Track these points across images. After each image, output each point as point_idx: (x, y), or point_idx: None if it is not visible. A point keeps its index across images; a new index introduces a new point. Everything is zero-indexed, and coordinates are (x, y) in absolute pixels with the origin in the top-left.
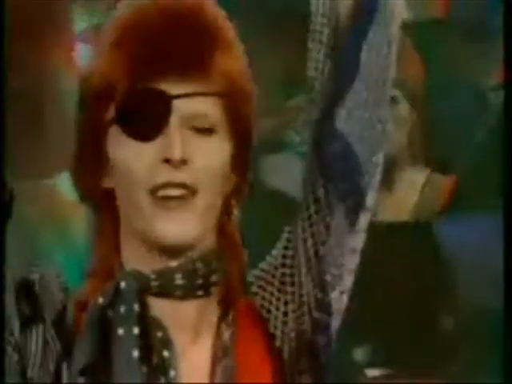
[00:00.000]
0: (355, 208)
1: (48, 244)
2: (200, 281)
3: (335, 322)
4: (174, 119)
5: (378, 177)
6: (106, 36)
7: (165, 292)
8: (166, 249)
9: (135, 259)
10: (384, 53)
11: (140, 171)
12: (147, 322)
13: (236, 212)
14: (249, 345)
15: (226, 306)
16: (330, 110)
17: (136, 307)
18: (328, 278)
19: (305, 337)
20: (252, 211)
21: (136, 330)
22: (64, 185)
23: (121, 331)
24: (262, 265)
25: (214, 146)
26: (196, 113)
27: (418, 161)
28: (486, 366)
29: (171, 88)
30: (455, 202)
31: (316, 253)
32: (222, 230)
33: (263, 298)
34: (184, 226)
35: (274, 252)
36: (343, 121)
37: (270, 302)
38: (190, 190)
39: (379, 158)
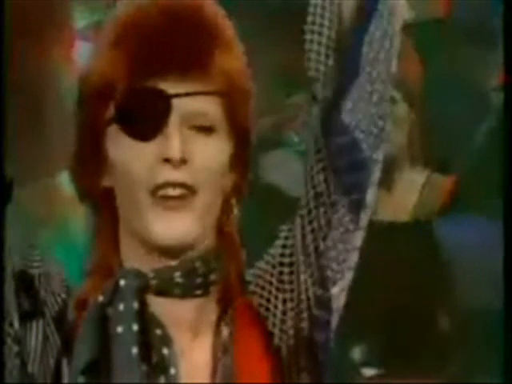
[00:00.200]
0: (359, 203)
1: (49, 242)
2: (199, 280)
3: (334, 320)
4: (173, 118)
5: (377, 174)
6: (106, 35)
7: (164, 291)
8: (166, 249)
9: (134, 258)
10: (386, 47)
11: (139, 171)
12: (146, 320)
13: (236, 211)
14: (247, 344)
15: (225, 305)
16: (337, 102)
17: (135, 305)
18: (329, 273)
19: (303, 335)
20: (251, 209)
21: (135, 328)
22: (66, 183)
23: (120, 329)
24: (260, 264)
25: (214, 145)
26: (195, 112)
27: (417, 161)
28: (486, 365)
29: (170, 87)
30: (455, 202)
31: (316, 249)
32: (220, 229)
33: (261, 296)
34: (183, 227)
35: (272, 251)
36: (349, 113)
37: (269, 301)
38: (190, 190)
39: (379, 155)
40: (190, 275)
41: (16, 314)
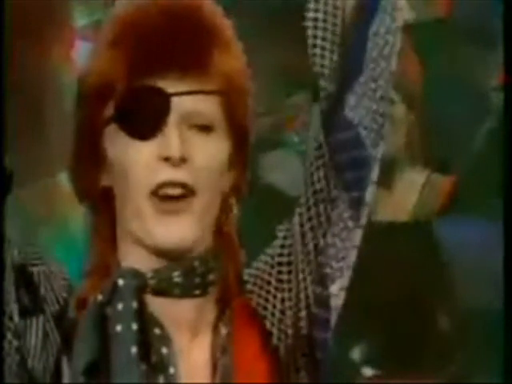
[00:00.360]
0: (359, 200)
1: (49, 241)
2: (198, 279)
3: (333, 318)
4: (172, 117)
5: (377, 171)
6: (104, 34)
7: (163, 290)
8: (165, 253)
9: (132, 258)
10: (390, 44)
11: (138, 170)
12: (145, 320)
13: (235, 210)
14: (246, 343)
15: (224, 304)
16: (341, 97)
17: (134, 304)
18: (328, 270)
19: (302, 334)
20: (251, 209)
21: (134, 327)
22: (66, 182)
23: (119, 328)
24: (258, 264)
25: (213, 144)
26: (194, 111)
27: (417, 161)
28: (486, 366)
29: (169, 86)
30: (455, 202)
31: (315, 246)
32: (219, 229)
33: (259, 295)
34: (183, 231)
35: (270, 251)
36: (353, 109)
37: (267, 300)
38: (190, 191)
39: (378, 153)
40: (189, 275)
41: (16, 306)
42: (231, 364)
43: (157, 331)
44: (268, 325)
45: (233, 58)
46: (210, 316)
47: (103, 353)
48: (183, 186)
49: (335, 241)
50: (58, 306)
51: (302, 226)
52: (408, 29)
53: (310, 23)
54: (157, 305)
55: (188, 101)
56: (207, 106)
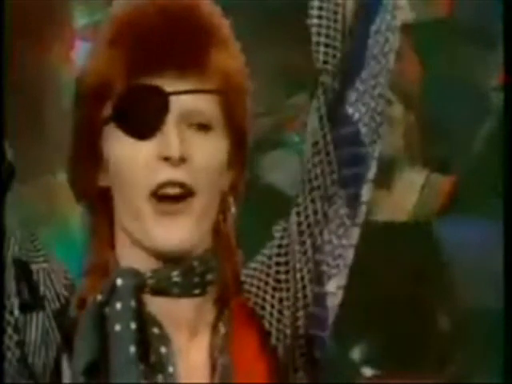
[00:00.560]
0: (356, 197)
1: (49, 239)
2: (196, 279)
3: (331, 317)
4: (171, 116)
5: (374, 170)
6: (102, 34)
7: (161, 290)
8: (164, 255)
9: (131, 258)
10: (390, 41)
11: (138, 170)
12: (144, 319)
13: (233, 209)
14: (244, 343)
15: (222, 304)
16: (342, 93)
17: (132, 304)
18: (324, 268)
19: (300, 333)
20: (251, 209)
21: (133, 326)
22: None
23: (118, 327)
24: (255, 264)
25: (212, 143)
26: (193, 110)
27: (417, 161)
28: (486, 366)
29: (168, 85)
30: (454, 202)
31: (313, 244)
32: (217, 228)
33: (257, 295)
34: (182, 233)
35: (267, 251)
36: (353, 105)
37: (265, 300)
38: (189, 191)
39: (375, 151)
40: (188, 274)
41: (16, 300)
42: (230, 364)
43: (155, 331)
44: (266, 325)
45: (231, 57)
46: (209, 316)
47: (103, 352)
48: (182, 185)
49: (332, 238)
50: (59, 304)
51: (299, 224)
52: (408, 29)
53: (314, 21)
54: (155, 304)
55: (186, 100)
56: (206, 105)
